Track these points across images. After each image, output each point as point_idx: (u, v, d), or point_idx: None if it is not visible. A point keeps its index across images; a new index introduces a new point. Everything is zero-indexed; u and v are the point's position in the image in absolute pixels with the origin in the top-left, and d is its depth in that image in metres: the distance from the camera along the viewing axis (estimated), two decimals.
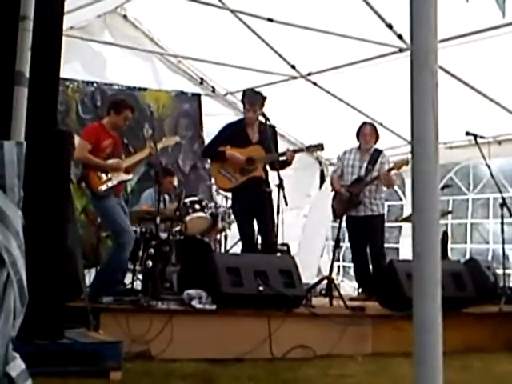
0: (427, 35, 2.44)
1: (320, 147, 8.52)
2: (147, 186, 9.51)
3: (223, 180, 8.31)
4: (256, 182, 8.02)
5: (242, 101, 8.44)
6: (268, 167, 8.28)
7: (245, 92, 8.53)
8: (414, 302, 2.36)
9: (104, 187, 7.39)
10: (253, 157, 8.12)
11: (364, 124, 9.41)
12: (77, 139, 9.08)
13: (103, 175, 7.44)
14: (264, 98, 8.28)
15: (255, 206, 7.99)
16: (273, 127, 8.45)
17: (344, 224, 9.09)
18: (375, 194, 9.15)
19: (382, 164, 9.12)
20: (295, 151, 8.43)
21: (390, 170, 8.98)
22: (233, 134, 8.30)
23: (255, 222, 8.21)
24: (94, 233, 8.99)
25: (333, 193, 9.57)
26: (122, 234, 7.30)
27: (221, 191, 9.35)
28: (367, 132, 9.28)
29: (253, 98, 8.29)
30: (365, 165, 9.13)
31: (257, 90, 8.78)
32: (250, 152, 8.15)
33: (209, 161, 10.74)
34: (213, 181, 9.97)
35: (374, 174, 9.04)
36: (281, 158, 8.22)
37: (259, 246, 8.22)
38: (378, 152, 9.25)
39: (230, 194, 8.99)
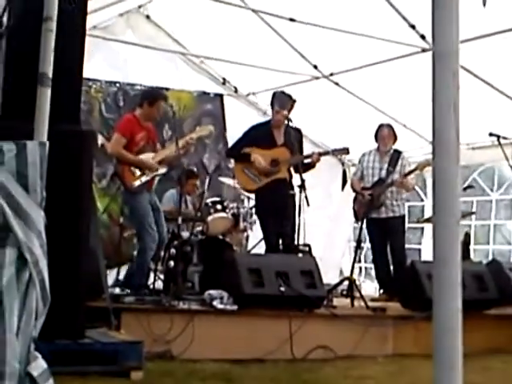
0: (449, 37, 2.43)
1: (345, 151, 8.49)
2: (169, 186, 9.51)
3: (247, 180, 8.31)
4: (280, 184, 8.02)
5: (272, 102, 8.40)
6: (292, 170, 8.28)
7: (275, 94, 8.49)
8: (434, 305, 2.35)
9: (138, 182, 7.44)
10: (277, 159, 8.11)
11: (381, 126, 9.38)
12: (100, 138, 9.15)
13: (137, 170, 7.47)
14: (294, 101, 8.26)
15: (278, 207, 7.98)
16: (299, 130, 8.46)
17: (365, 225, 9.07)
18: (396, 195, 9.13)
19: (403, 166, 9.09)
20: (320, 154, 8.44)
21: (412, 171, 8.96)
22: (258, 135, 8.30)
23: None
24: (117, 233, 9.03)
25: (354, 194, 9.56)
26: (143, 238, 7.38)
27: (243, 191, 9.38)
28: (385, 134, 9.26)
29: (283, 101, 8.27)
30: (385, 166, 9.11)
31: (281, 90, 8.71)
32: (275, 154, 8.14)
33: (232, 161, 10.78)
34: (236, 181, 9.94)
35: (395, 176, 9.01)
36: (305, 161, 8.24)
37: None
38: (398, 153, 9.23)
39: (252, 195, 9.03)
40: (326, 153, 8.79)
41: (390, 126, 9.41)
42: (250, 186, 8.34)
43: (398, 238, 9.16)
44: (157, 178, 7.73)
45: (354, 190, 9.51)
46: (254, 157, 8.16)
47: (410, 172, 8.99)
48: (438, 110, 2.42)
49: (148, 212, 7.42)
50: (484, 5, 2.82)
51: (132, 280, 7.45)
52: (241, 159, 8.35)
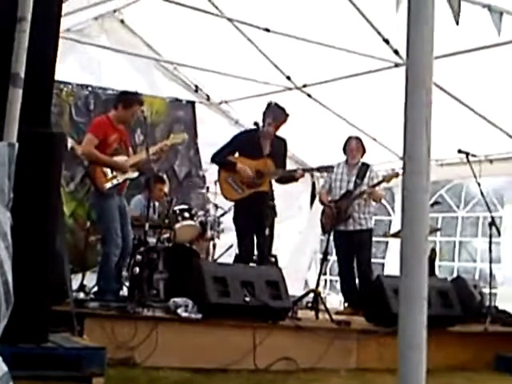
0: (423, 54, 2.44)
1: (330, 169, 8.54)
2: (136, 192, 9.45)
3: (229, 190, 8.27)
4: (261, 197, 7.98)
5: (264, 113, 8.34)
6: (273, 181, 8.31)
7: (269, 105, 8.38)
8: (400, 319, 2.36)
9: (109, 185, 7.36)
10: (262, 170, 8.06)
11: (350, 139, 9.43)
12: (69, 142, 9.07)
13: (108, 172, 7.39)
14: (287, 116, 8.27)
15: (257, 219, 7.94)
16: (284, 140, 8.46)
17: (332, 238, 9.08)
18: (364, 208, 9.17)
19: (371, 179, 9.13)
20: (305, 170, 8.56)
21: (379, 183, 9.01)
22: (246, 142, 8.27)
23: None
24: (82, 237, 8.98)
25: (322, 206, 9.58)
26: (107, 243, 7.33)
27: (212, 200, 9.38)
28: (353, 147, 9.31)
29: (277, 114, 8.25)
30: (353, 179, 9.16)
31: (276, 102, 8.62)
32: (260, 165, 8.07)
33: (204, 168, 10.75)
34: (205, 190, 9.93)
35: (362, 188, 9.06)
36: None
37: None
38: (366, 166, 9.28)
39: (221, 203, 9.05)
40: (311, 169, 8.83)
41: (358, 139, 9.45)
42: (232, 195, 8.30)
43: (365, 251, 9.20)
44: (127, 182, 7.67)
45: (322, 203, 9.53)
46: (239, 167, 8.14)
47: (377, 184, 9.04)
48: (410, 126, 2.43)
49: (115, 217, 7.36)
50: (457, 23, 2.84)
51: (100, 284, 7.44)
52: (226, 167, 8.32)
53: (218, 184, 8.58)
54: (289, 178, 8.40)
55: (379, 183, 9.06)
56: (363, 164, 9.31)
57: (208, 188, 9.78)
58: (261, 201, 7.92)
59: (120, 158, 7.53)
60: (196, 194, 11.06)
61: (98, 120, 7.76)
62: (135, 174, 7.72)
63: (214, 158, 8.61)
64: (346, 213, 9.05)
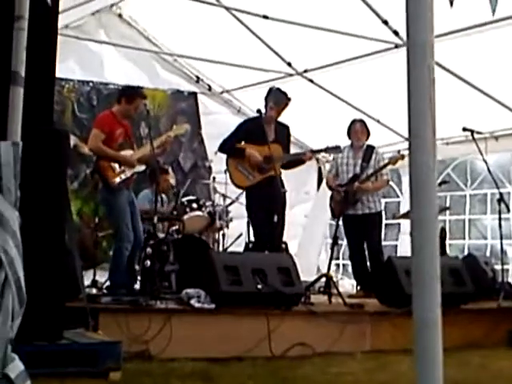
0: (423, 30, 2.43)
1: (338, 149, 8.54)
2: (142, 186, 9.44)
3: (240, 177, 8.29)
4: (272, 182, 7.97)
5: (266, 98, 8.38)
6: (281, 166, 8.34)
7: (271, 90, 8.45)
8: (414, 298, 2.36)
9: (118, 179, 7.36)
10: (271, 155, 8.03)
11: (354, 121, 9.40)
12: (72, 139, 9.07)
13: (116, 166, 7.40)
14: (288, 100, 8.29)
15: (270, 205, 7.94)
16: (287, 127, 8.47)
17: (341, 222, 9.08)
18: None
19: (377, 161, 9.12)
20: (313, 152, 8.55)
21: (384, 165, 9.00)
22: (251, 130, 8.29)
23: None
24: (89, 235, 9.00)
25: (329, 191, 9.58)
26: (120, 238, 7.34)
27: (218, 190, 9.40)
28: (358, 129, 9.29)
29: (278, 98, 8.30)
30: (359, 162, 9.14)
31: (278, 87, 8.65)
32: (267, 150, 8.04)
33: (209, 159, 10.75)
34: (211, 180, 9.96)
35: (369, 171, 9.04)
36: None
37: None
38: (371, 148, 9.26)
39: (228, 192, 9.06)
40: (319, 151, 8.81)
41: (362, 122, 9.43)
42: (243, 182, 8.32)
43: (375, 234, 9.20)
44: (134, 176, 7.67)
45: (330, 187, 9.52)
46: (248, 152, 8.16)
47: (383, 167, 9.02)
48: (414, 105, 2.42)
49: (126, 212, 7.36)
50: (451, 5, 2.81)
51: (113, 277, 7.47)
52: (234, 154, 8.33)
53: (227, 173, 8.58)
54: (296, 161, 8.42)
55: (385, 166, 9.04)
56: (368, 146, 9.29)
57: (214, 178, 9.80)
58: (272, 186, 7.90)
59: (126, 153, 7.54)
60: (202, 184, 11.06)
61: (103, 115, 7.76)
62: (142, 168, 7.72)
63: (222, 148, 8.61)
64: (354, 197, 9.04)
